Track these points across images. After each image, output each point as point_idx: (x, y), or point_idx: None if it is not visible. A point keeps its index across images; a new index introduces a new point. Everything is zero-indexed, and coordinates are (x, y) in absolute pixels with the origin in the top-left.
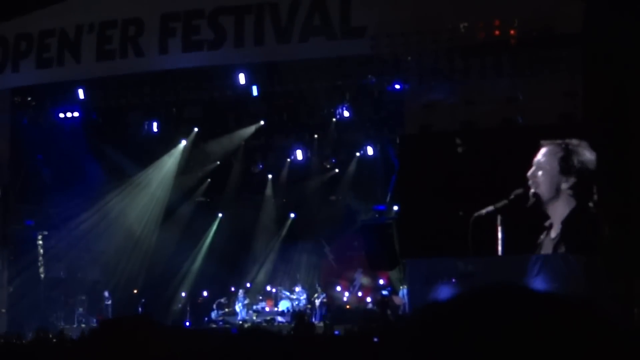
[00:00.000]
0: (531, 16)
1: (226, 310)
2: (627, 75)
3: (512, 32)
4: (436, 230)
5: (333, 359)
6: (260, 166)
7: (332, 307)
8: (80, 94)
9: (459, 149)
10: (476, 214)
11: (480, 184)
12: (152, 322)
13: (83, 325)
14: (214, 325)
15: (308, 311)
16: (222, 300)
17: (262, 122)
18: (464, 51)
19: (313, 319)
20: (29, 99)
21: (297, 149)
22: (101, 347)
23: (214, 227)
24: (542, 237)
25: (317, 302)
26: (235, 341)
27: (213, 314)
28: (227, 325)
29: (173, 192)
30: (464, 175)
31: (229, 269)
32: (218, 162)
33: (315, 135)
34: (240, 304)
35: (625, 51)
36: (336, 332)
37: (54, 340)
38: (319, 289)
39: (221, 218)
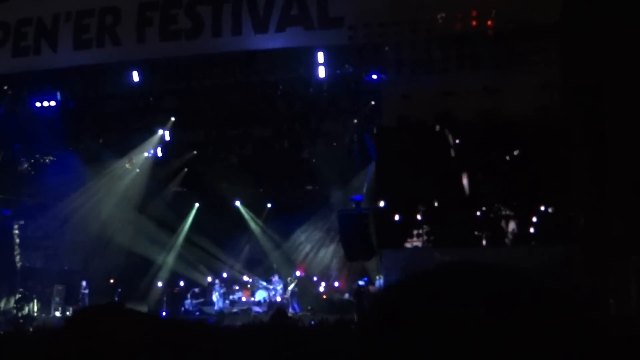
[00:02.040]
0: (508, 7)
1: (201, 300)
2: (604, 66)
3: (489, 22)
4: (412, 220)
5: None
6: (238, 156)
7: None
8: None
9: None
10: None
11: (459, 174)
12: (124, 309)
13: (59, 315)
14: (190, 315)
15: (285, 301)
16: (196, 290)
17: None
18: (441, 42)
19: (290, 309)
20: (5, 87)
21: (275, 138)
22: (75, 335)
23: (191, 217)
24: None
25: (291, 292)
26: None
27: (187, 303)
28: (204, 315)
29: (150, 181)
30: (442, 165)
31: (205, 259)
32: (195, 152)
33: (295, 125)
34: (217, 294)
35: (603, 41)
36: (311, 322)
37: (31, 329)
38: (294, 279)
39: (198, 208)
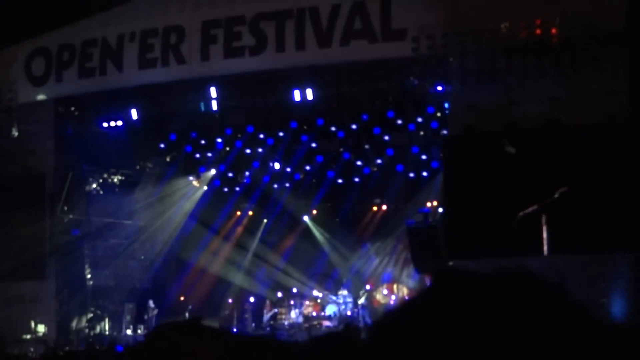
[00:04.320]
0: (572, 15)
1: (273, 314)
2: None
3: (553, 31)
4: (482, 231)
5: None
6: (307, 170)
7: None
8: (134, 114)
9: (508, 149)
10: (521, 214)
11: (526, 183)
12: (202, 326)
13: (130, 333)
14: (261, 331)
15: (355, 314)
16: (267, 305)
17: (305, 127)
18: (506, 51)
19: (361, 323)
20: (72, 108)
21: (342, 152)
22: (155, 353)
23: (259, 233)
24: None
25: (361, 305)
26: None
27: (259, 319)
28: (275, 331)
29: (217, 198)
30: (509, 175)
31: (274, 274)
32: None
33: (359, 139)
34: (286, 309)
35: None
36: None
37: (104, 349)
38: (364, 293)
39: (266, 224)
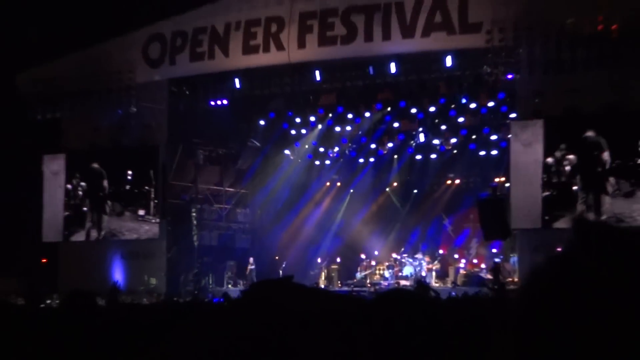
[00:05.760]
0: (631, 14)
1: (365, 275)
2: None
3: (614, 27)
4: (543, 203)
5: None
6: (389, 147)
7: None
8: (237, 82)
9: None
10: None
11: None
12: (292, 283)
13: (231, 287)
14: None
15: (426, 274)
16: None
17: (389, 109)
18: (571, 44)
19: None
20: (184, 88)
21: (421, 132)
22: (251, 307)
23: (346, 203)
24: None
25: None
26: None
27: (358, 276)
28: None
29: (309, 170)
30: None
31: (359, 239)
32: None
33: (437, 120)
34: (390, 271)
35: None
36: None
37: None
38: (438, 257)
39: (351, 194)
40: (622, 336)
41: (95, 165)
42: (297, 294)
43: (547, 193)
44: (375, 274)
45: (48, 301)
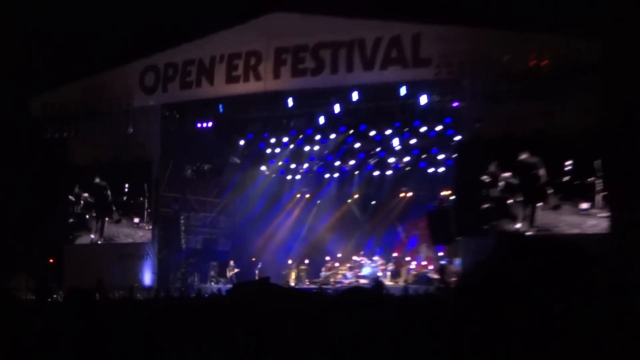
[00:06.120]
0: (560, 52)
1: (329, 274)
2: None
3: (544, 62)
4: (482, 213)
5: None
6: (351, 164)
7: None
8: (220, 107)
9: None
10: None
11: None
12: (269, 284)
13: (214, 284)
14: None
15: (383, 275)
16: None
17: (351, 131)
18: (507, 77)
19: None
20: (174, 112)
21: (378, 151)
22: (236, 303)
23: (313, 212)
24: None
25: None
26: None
27: (321, 275)
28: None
29: (281, 184)
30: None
31: (323, 244)
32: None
33: (392, 141)
34: (351, 272)
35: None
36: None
37: (193, 296)
38: (392, 259)
39: (317, 204)
40: (535, 325)
41: (98, 180)
42: (271, 293)
43: (485, 205)
44: (338, 274)
45: (55, 296)
